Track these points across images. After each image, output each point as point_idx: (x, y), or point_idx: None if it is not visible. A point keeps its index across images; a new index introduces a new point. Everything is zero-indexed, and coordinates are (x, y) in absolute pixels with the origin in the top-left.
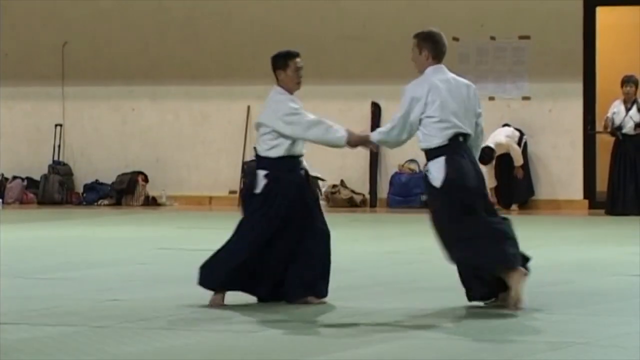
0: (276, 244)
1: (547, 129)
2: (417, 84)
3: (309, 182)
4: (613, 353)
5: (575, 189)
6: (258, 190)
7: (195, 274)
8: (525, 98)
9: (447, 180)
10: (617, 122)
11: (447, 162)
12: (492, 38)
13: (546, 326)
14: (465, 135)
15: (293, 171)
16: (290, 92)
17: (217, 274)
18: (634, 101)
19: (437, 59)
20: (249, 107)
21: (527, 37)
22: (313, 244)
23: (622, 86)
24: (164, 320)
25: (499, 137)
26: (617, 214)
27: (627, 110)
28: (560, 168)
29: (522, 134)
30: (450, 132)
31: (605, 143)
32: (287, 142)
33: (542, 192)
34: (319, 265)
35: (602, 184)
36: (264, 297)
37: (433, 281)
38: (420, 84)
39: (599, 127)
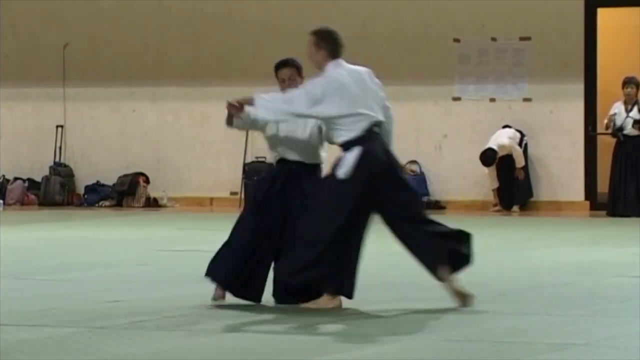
0: (262, 244)
1: (547, 130)
2: (322, 84)
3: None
4: (613, 354)
5: (576, 190)
6: None
7: (195, 274)
8: (526, 99)
9: (356, 168)
10: (618, 123)
11: (364, 150)
12: (493, 39)
13: (547, 327)
14: (379, 124)
15: (277, 170)
16: None
17: (218, 269)
18: (635, 102)
19: (335, 57)
20: None
21: (528, 38)
22: None
23: (623, 87)
24: (164, 321)
25: (501, 138)
26: (618, 214)
27: (628, 111)
28: (561, 169)
29: (522, 135)
30: (365, 124)
31: (606, 144)
32: (276, 149)
33: (543, 193)
34: None
35: (603, 185)
36: (258, 299)
37: (433, 282)
38: (326, 83)
39: (600, 128)
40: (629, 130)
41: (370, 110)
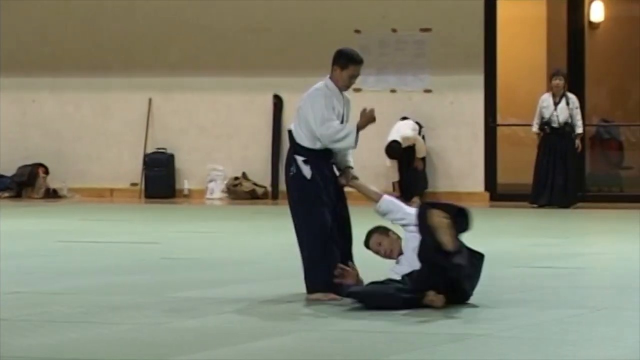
0: None
1: (448, 122)
2: None
3: None
4: (513, 344)
5: (476, 181)
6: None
7: (96, 265)
8: (427, 90)
9: None
10: (546, 115)
11: None
12: (394, 30)
13: (448, 318)
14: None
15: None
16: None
17: None
18: (563, 95)
19: None
20: (150, 100)
21: (429, 30)
22: None
23: (550, 80)
24: (65, 313)
25: (404, 130)
26: (543, 205)
27: (556, 103)
28: (462, 160)
29: (420, 126)
30: None
31: (505, 136)
32: None
33: (444, 184)
34: None
35: (503, 176)
36: None
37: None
38: None
39: (500, 119)
40: (557, 123)
41: None
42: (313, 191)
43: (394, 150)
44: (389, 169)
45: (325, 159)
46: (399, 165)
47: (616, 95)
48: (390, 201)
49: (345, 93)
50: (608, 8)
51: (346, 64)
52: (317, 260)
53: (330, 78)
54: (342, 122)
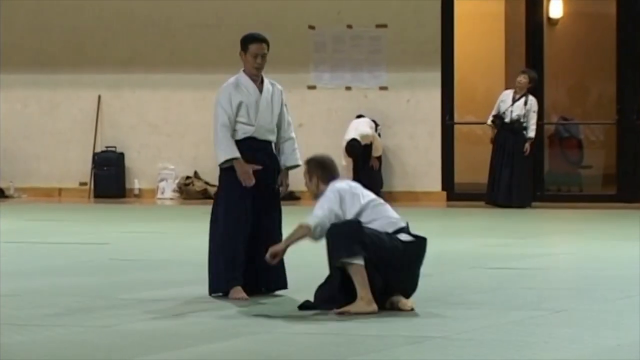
0: None
1: (405, 120)
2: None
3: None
4: (469, 347)
5: (433, 180)
6: None
7: (44, 266)
8: (383, 88)
9: None
10: (502, 109)
11: None
12: (349, 26)
13: (404, 320)
14: None
15: None
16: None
17: None
18: (524, 94)
19: (327, 182)
20: (99, 97)
21: (385, 26)
22: None
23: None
24: (12, 316)
25: (363, 128)
26: (499, 205)
27: (514, 100)
28: (418, 159)
29: (376, 124)
30: None
31: (462, 134)
32: None
33: (400, 183)
34: None
35: (460, 175)
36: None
37: (291, 273)
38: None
39: (458, 117)
40: (509, 119)
41: None
42: (232, 186)
43: (354, 148)
44: (344, 168)
45: (258, 149)
46: (355, 164)
47: (575, 92)
48: (317, 221)
49: (277, 85)
50: (567, 4)
51: (247, 44)
52: (218, 257)
53: (244, 71)
54: (256, 111)
